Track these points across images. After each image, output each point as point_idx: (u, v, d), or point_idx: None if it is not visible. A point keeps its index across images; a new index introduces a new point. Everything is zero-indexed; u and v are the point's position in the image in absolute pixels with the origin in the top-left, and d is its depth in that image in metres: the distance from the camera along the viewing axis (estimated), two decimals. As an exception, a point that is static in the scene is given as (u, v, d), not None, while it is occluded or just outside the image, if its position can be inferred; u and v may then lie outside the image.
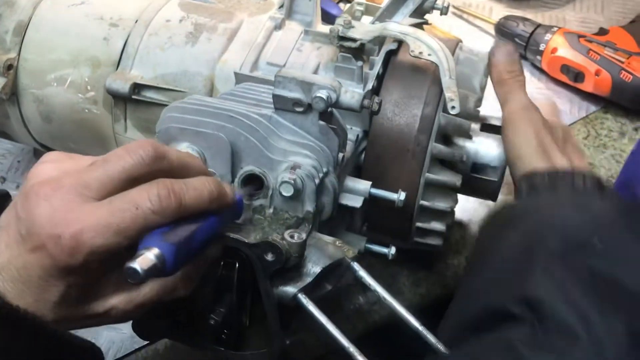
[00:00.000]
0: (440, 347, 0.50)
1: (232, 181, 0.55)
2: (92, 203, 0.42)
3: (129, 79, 0.68)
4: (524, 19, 1.01)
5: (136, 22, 0.71)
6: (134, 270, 0.39)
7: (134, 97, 0.68)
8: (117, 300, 0.45)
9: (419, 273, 0.81)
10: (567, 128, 0.64)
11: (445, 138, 0.66)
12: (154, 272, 0.40)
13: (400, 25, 0.63)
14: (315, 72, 0.67)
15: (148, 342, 0.77)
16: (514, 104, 0.62)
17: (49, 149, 0.79)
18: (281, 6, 0.73)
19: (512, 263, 0.50)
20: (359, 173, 0.65)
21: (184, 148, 0.53)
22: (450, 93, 0.58)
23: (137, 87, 0.68)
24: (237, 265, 0.50)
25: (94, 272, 0.43)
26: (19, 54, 0.72)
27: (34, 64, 0.72)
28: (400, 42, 0.65)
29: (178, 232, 0.42)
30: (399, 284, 0.80)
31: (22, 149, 0.94)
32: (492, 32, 1.04)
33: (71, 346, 0.43)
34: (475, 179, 0.69)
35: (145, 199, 0.42)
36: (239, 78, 0.66)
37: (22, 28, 0.72)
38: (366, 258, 0.80)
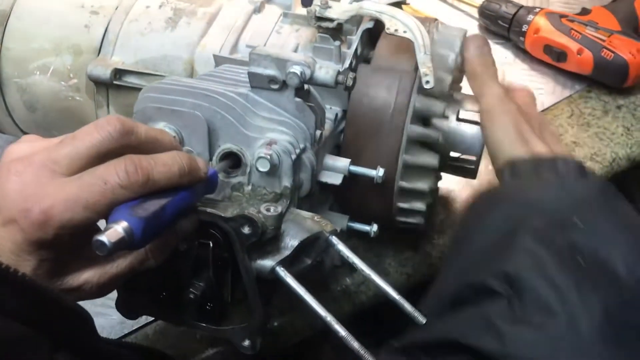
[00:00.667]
0: (417, 315, 0.51)
1: (210, 159, 0.56)
2: (62, 178, 0.43)
3: (110, 65, 0.69)
4: (507, 1, 1.01)
5: (116, 9, 0.72)
6: (102, 242, 0.40)
7: (115, 82, 0.69)
8: (90, 274, 0.46)
9: (405, 253, 0.82)
10: (542, 116, 0.65)
11: (424, 119, 0.66)
12: (121, 244, 0.41)
13: (376, 4, 0.64)
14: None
15: (137, 328, 0.78)
16: (489, 97, 0.63)
17: (35, 139, 0.80)
18: (261, -10, 0.74)
19: (494, 241, 0.51)
20: (339, 152, 0.66)
21: (161, 127, 0.54)
22: (425, 68, 0.59)
23: (118, 73, 0.69)
24: (211, 245, 0.51)
25: (65, 246, 0.44)
26: (1, 43, 0.73)
27: (16, 52, 0.73)
28: (377, 21, 0.66)
29: (147, 206, 0.43)
30: (384, 264, 0.81)
31: (11, 142, 0.94)
32: (476, 15, 1.05)
33: (61, 305, 0.44)
34: (454, 157, 0.70)
35: (113, 173, 0.43)
36: (218, 61, 0.66)
37: (3, 17, 0.73)
38: (351, 240, 0.81)
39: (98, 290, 0.47)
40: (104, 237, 0.40)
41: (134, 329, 0.78)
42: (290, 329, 0.78)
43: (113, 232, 0.41)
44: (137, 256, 0.47)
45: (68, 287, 0.46)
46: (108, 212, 0.43)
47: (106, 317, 0.77)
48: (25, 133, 0.80)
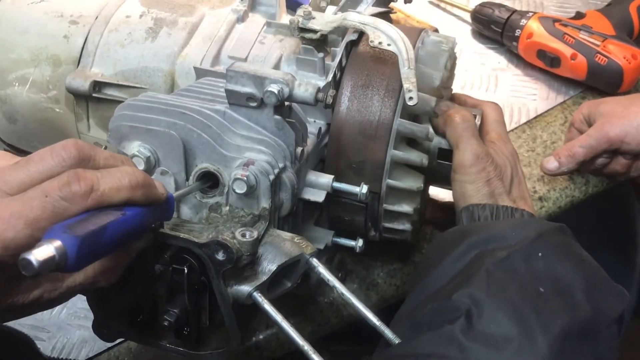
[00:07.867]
0: (397, 341, 0.50)
1: (187, 179, 0.54)
2: (8, 197, 0.41)
3: (89, 77, 0.67)
4: (500, 5, 0.99)
5: (96, 18, 0.70)
6: (28, 261, 0.36)
7: (94, 95, 0.67)
8: (40, 292, 0.45)
9: (394, 264, 0.80)
10: (515, 169, 0.66)
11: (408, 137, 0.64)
12: (51, 265, 0.36)
13: (360, 15, 0.62)
14: (277, 64, 0.66)
15: (120, 341, 0.77)
16: (467, 153, 0.63)
17: (17, 150, 0.79)
18: (244, -2, 0.72)
19: (461, 269, 0.55)
20: (323, 166, 0.64)
21: (135, 147, 0.53)
22: (409, 84, 0.57)
23: (97, 85, 0.67)
24: (185, 271, 0.49)
25: (12, 267, 0.41)
26: (-22, 54, 0.71)
27: (-5, 63, 0.71)
28: (362, 33, 0.64)
29: (87, 225, 0.39)
30: (373, 275, 0.80)
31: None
32: (469, 20, 1.03)
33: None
34: (440, 166, 0.68)
35: (55, 187, 0.41)
36: (199, 73, 0.65)
37: (-19, 27, 0.71)
38: (339, 253, 0.80)
39: (49, 305, 0.46)
40: (30, 256, 0.36)
41: (116, 342, 0.77)
42: (275, 343, 0.77)
43: (42, 250, 0.36)
44: (86, 277, 0.45)
45: (18, 306, 0.44)
46: None
47: (90, 330, 0.76)
48: (7, 144, 0.78)
